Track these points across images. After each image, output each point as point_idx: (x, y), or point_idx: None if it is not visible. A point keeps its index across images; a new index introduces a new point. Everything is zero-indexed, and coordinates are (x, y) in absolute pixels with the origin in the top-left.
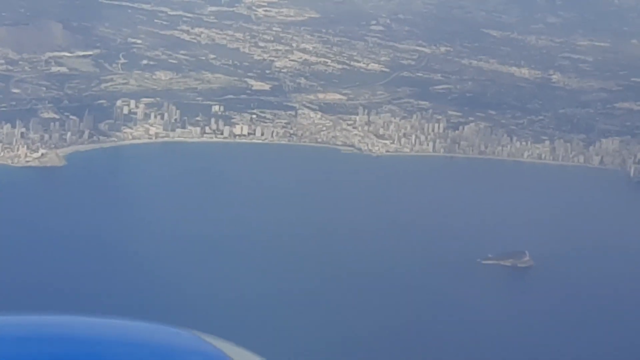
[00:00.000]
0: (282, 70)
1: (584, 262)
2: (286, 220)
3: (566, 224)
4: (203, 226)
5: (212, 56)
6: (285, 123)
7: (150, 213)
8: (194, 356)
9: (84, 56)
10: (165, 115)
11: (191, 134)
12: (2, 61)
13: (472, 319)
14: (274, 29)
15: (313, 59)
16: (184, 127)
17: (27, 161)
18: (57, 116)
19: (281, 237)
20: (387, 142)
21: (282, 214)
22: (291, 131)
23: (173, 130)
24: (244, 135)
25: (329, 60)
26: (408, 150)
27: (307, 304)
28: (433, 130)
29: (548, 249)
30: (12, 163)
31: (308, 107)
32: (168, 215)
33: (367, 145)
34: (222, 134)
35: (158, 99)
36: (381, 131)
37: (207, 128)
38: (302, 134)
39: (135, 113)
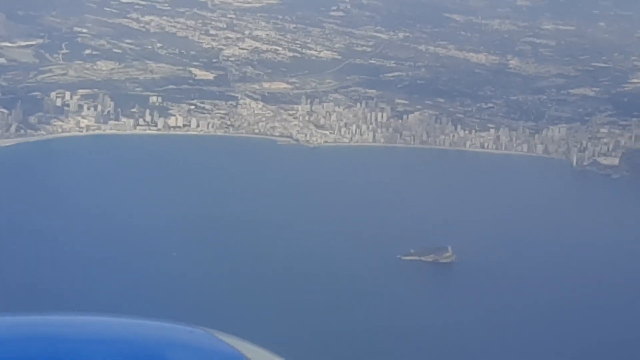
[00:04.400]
0: (230, 59)
1: (512, 257)
2: (205, 214)
3: (499, 216)
4: (120, 224)
5: (158, 45)
6: (223, 114)
7: (65, 209)
8: (212, 356)
9: (25, 46)
10: (99, 107)
11: (124, 127)
12: None
13: (384, 318)
14: (229, 15)
15: (264, 46)
16: (117, 119)
17: None
18: None
19: (198, 230)
20: (327, 132)
21: (202, 207)
22: (228, 122)
23: (105, 122)
24: (179, 127)
25: (280, 48)
26: (347, 140)
27: (225, 298)
28: (376, 120)
29: (475, 243)
30: None
31: (250, 97)
32: (84, 211)
33: (306, 135)
34: (155, 126)
35: (95, 90)
36: (322, 121)
37: (140, 120)
38: (239, 125)
39: (68, 105)
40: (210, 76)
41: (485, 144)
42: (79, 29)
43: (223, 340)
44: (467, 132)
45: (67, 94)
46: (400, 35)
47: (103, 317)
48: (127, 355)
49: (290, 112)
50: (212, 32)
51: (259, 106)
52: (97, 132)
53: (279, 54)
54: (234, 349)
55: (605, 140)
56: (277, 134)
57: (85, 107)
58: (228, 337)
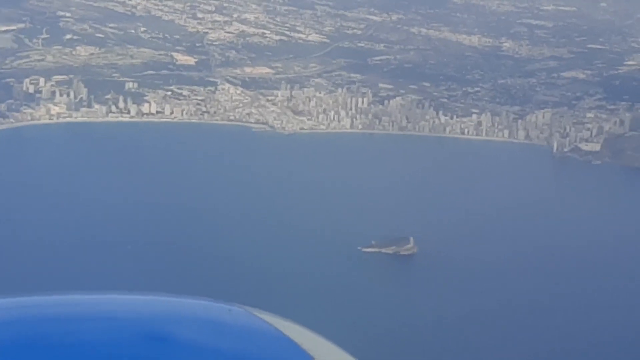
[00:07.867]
0: (214, 43)
1: (478, 249)
2: (162, 203)
3: (468, 206)
4: (76, 214)
5: (142, 29)
6: (200, 100)
7: (24, 200)
8: (253, 335)
9: (5, 31)
10: (72, 93)
11: (96, 114)
12: None
13: (339, 313)
14: None
15: (251, 30)
16: (90, 106)
17: None
18: None
19: (157, 219)
20: (304, 118)
21: (161, 197)
22: (204, 109)
23: (77, 109)
24: (152, 114)
25: (268, 32)
26: (324, 127)
27: (185, 289)
28: (356, 106)
29: (441, 235)
30: None
31: (230, 83)
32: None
33: (282, 122)
34: (128, 113)
35: (71, 76)
36: (301, 107)
37: (113, 107)
38: (215, 112)
39: (41, 92)
40: (191, 61)
41: (466, 130)
42: (62, 13)
43: (261, 318)
44: (448, 117)
45: (42, 80)
46: (394, 17)
47: (129, 294)
48: (163, 332)
49: (269, 98)
50: (199, 15)
51: (238, 92)
52: (67, 119)
53: (266, 37)
54: (275, 328)
55: (589, 125)
56: (253, 120)
57: (58, 93)
58: (267, 314)
